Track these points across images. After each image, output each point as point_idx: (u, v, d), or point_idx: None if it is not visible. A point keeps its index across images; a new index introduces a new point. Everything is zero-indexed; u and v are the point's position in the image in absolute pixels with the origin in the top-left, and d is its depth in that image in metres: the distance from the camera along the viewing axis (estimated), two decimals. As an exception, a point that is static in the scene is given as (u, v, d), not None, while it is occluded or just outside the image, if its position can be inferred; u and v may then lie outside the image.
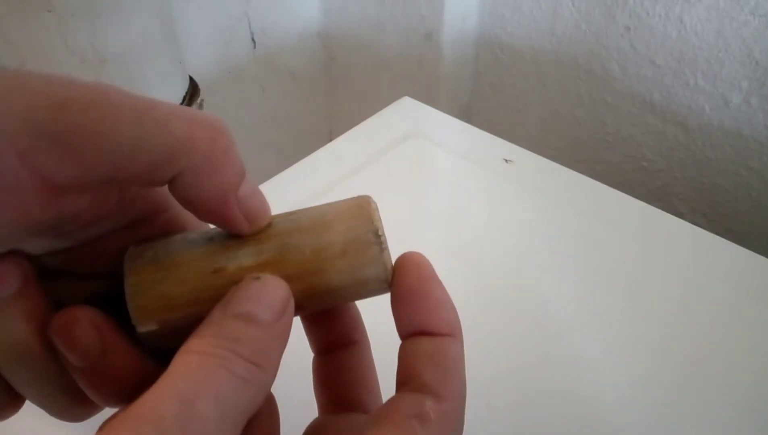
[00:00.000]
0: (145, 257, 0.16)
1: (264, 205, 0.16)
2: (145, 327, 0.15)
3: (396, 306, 0.16)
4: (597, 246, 0.38)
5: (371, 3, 0.67)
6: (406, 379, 0.15)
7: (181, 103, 0.49)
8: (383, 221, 0.16)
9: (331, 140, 0.47)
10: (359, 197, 0.17)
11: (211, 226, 0.16)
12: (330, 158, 0.45)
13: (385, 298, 0.17)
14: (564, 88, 0.61)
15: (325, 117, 0.83)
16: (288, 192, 0.42)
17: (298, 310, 0.16)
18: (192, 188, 0.14)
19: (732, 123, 0.52)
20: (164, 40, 0.46)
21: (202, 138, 0.14)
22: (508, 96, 0.67)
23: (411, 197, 0.42)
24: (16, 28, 0.40)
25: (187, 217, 0.16)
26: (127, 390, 0.15)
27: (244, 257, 0.15)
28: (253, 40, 0.68)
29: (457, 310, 0.16)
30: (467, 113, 0.71)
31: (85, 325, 0.14)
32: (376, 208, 0.16)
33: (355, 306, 0.19)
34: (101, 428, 0.13)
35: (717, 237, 0.38)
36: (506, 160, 0.45)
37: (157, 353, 0.16)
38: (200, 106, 0.51)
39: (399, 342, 0.16)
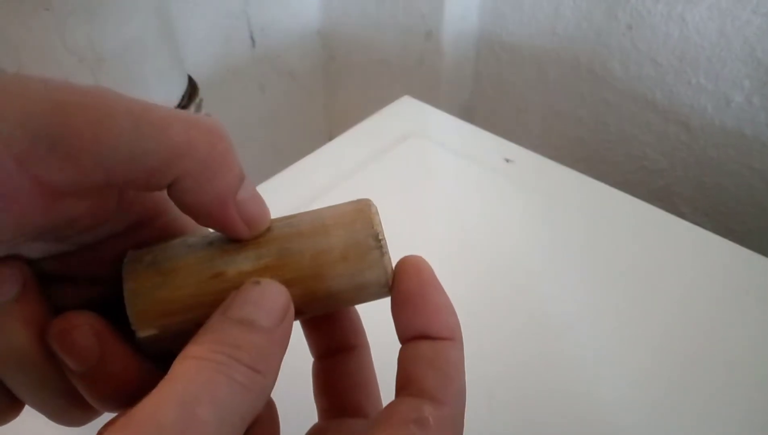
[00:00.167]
0: (144, 262, 0.16)
1: (263, 209, 0.16)
2: (144, 332, 0.15)
3: (396, 310, 0.16)
4: (598, 246, 0.38)
5: (371, 2, 0.66)
6: (405, 384, 0.15)
7: (180, 102, 0.49)
8: (383, 222, 0.16)
9: (331, 140, 0.47)
10: (359, 201, 0.16)
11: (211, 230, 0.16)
12: (330, 158, 0.45)
13: (385, 302, 0.17)
14: (565, 87, 0.61)
15: (325, 116, 0.83)
16: (288, 192, 0.42)
17: (298, 314, 0.16)
18: (190, 193, 0.14)
19: (734, 122, 0.52)
20: (163, 38, 0.46)
21: (201, 142, 0.14)
22: (508, 95, 0.67)
23: (411, 197, 0.42)
24: (13, 27, 0.39)
25: (187, 220, 0.16)
26: (126, 394, 0.15)
27: (243, 262, 0.15)
28: (252, 38, 0.68)
29: (457, 309, 0.16)
30: (467, 112, 0.71)
31: (83, 330, 0.14)
32: (377, 212, 0.16)
33: (355, 310, 0.19)
34: (100, 433, 0.13)
35: (718, 237, 0.38)
36: (507, 160, 0.44)
37: (157, 358, 0.16)
38: (199, 105, 0.51)
39: (399, 346, 0.16)
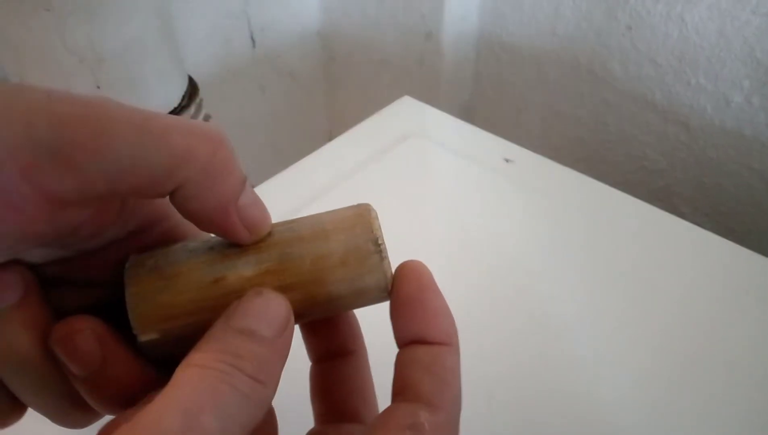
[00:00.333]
0: (145, 266, 0.16)
1: (264, 214, 0.16)
2: (145, 336, 0.15)
3: (394, 314, 0.16)
4: (597, 246, 0.38)
5: (371, 2, 0.66)
6: (401, 389, 0.15)
7: (180, 102, 0.49)
8: (383, 223, 0.16)
9: (330, 140, 0.47)
10: (359, 205, 0.16)
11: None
12: (330, 158, 0.45)
13: (383, 307, 0.17)
14: (565, 87, 0.61)
15: (324, 117, 0.83)
16: (288, 192, 0.42)
17: (298, 318, 0.16)
18: (192, 200, 0.14)
19: (733, 122, 0.52)
20: (163, 39, 0.46)
21: (201, 150, 0.14)
22: (508, 95, 0.67)
23: (411, 197, 0.42)
24: (13, 27, 0.40)
25: (188, 225, 0.16)
26: (128, 398, 0.15)
27: (244, 267, 0.15)
28: (252, 39, 0.68)
29: (458, 309, 0.16)
30: (467, 113, 0.71)
31: (86, 334, 0.14)
32: (376, 217, 0.16)
33: (354, 315, 0.20)
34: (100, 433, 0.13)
35: (718, 237, 0.38)
36: (507, 160, 0.44)
37: (158, 361, 0.16)
38: (199, 106, 0.51)
39: (396, 351, 0.16)
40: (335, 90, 0.79)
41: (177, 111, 0.49)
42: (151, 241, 0.17)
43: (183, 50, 0.54)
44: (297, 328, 0.18)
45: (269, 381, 0.13)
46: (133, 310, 0.15)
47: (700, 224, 0.39)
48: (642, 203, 0.41)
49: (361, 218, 0.16)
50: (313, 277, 0.15)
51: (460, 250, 0.37)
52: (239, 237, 0.15)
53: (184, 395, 0.12)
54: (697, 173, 0.57)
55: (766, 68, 0.48)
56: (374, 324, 0.20)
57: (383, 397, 0.17)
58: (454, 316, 0.16)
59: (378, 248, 0.15)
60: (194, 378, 0.12)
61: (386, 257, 0.16)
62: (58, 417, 0.16)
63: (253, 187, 0.44)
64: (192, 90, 0.51)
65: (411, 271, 0.16)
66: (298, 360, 0.19)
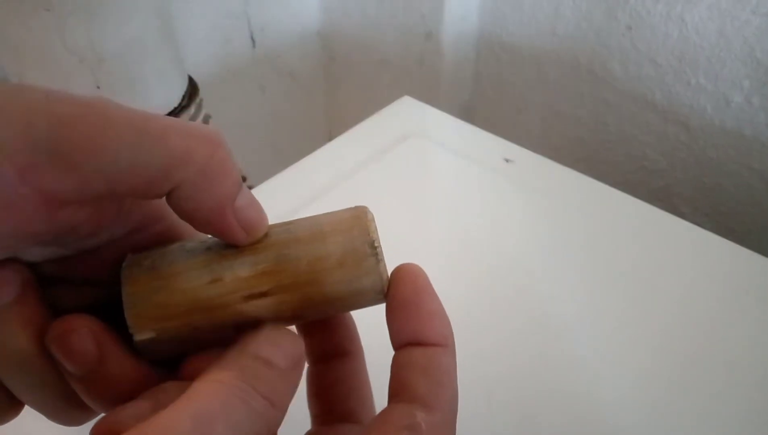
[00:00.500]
0: (142, 266, 0.16)
1: (261, 215, 0.16)
2: (141, 335, 0.15)
3: (390, 316, 0.16)
4: (597, 246, 0.38)
5: (371, 2, 0.66)
6: (398, 390, 0.15)
7: (180, 102, 0.49)
8: (383, 223, 0.16)
9: (330, 140, 0.47)
10: (356, 208, 0.17)
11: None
12: (330, 158, 0.45)
13: (380, 309, 0.17)
14: (565, 87, 0.61)
15: (324, 117, 0.83)
16: (288, 192, 0.42)
17: (294, 319, 0.16)
18: (189, 201, 0.14)
19: (733, 122, 0.52)
20: (163, 39, 0.46)
21: (199, 151, 0.14)
22: (508, 95, 0.67)
23: (411, 197, 0.42)
24: (13, 27, 0.40)
25: (185, 225, 0.16)
26: (124, 397, 0.15)
27: (240, 268, 0.15)
28: (252, 39, 0.68)
29: (458, 309, 0.16)
30: (467, 113, 0.71)
31: (82, 333, 0.14)
32: (373, 219, 0.16)
33: (351, 317, 0.20)
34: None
35: (718, 237, 0.38)
36: (506, 160, 0.44)
37: (154, 360, 0.16)
38: (199, 105, 0.51)
39: (392, 352, 0.16)
40: (335, 90, 0.79)
41: (177, 111, 0.49)
42: (148, 240, 0.17)
43: (183, 50, 0.54)
44: (294, 329, 0.18)
45: (280, 405, 0.14)
46: (130, 309, 0.15)
47: (700, 224, 0.39)
48: (642, 203, 0.41)
49: (358, 220, 0.16)
50: (310, 279, 0.15)
51: (460, 250, 0.37)
52: (236, 238, 0.15)
53: (197, 404, 0.12)
54: (697, 173, 0.57)
55: (766, 68, 0.48)
56: (371, 326, 0.20)
57: (380, 399, 0.17)
58: (454, 316, 0.16)
59: (374, 251, 0.15)
60: (211, 390, 0.13)
61: (382, 260, 0.16)
62: (55, 414, 0.16)
63: (252, 187, 0.44)
64: (192, 90, 0.51)
65: (407, 274, 0.16)
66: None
